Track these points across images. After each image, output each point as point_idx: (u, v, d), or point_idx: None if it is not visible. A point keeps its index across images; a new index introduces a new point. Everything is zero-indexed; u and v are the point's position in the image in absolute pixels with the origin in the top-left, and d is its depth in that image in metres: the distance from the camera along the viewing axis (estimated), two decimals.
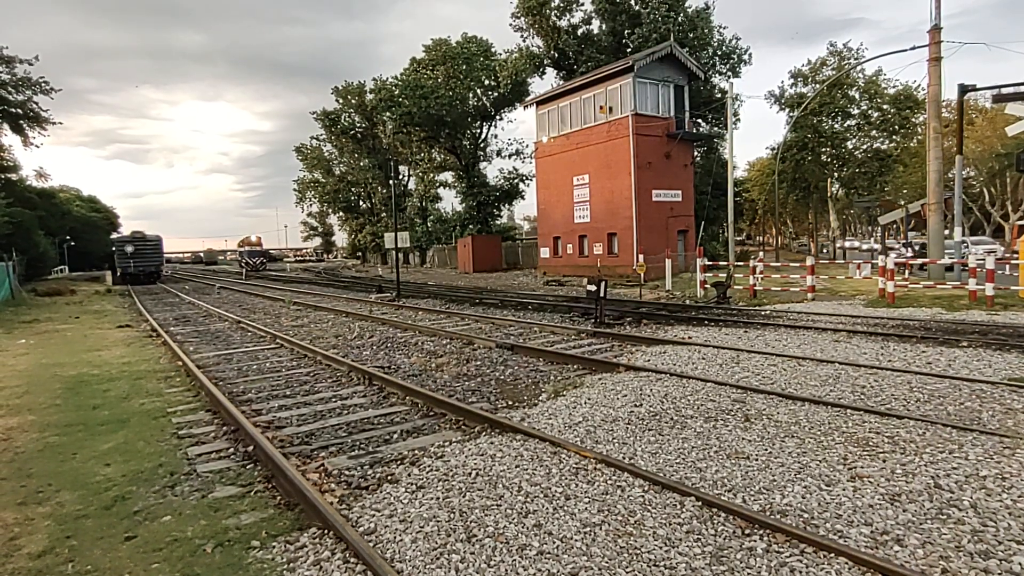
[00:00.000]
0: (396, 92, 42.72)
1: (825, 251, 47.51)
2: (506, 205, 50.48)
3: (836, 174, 42.48)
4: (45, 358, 11.75)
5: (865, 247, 42.18)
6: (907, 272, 19.83)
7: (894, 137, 39.73)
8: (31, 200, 39.60)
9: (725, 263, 22.52)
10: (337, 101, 57.05)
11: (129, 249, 40.12)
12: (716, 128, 38.15)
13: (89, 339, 14.40)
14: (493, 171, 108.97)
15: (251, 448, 5.76)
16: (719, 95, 36.46)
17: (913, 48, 19.00)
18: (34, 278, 37.11)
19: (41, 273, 41.13)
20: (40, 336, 15.13)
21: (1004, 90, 18.59)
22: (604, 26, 38.20)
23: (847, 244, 45.83)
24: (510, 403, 7.21)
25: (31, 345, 13.61)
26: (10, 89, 33.55)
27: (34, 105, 34.74)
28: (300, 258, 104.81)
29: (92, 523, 4.40)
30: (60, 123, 37.14)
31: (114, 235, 55.66)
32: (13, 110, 34.31)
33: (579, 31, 39.37)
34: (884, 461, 4.81)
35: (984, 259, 13.85)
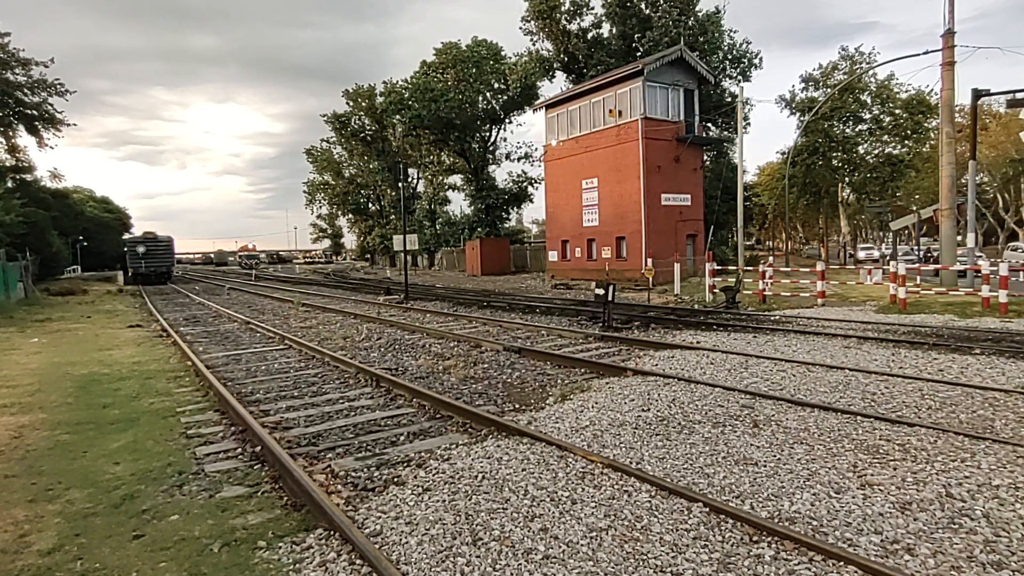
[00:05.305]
0: (406, 95, 42.89)
1: (847, 255, 47.03)
2: (514, 208, 50.52)
3: (847, 179, 42.16)
4: (57, 357, 11.87)
5: (877, 254, 41.60)
6: (918, 278, 19.64)
7: (906, 142, 39.37)
8: (45, 200, 40.04)
9: (734, 268, 22.39)
10: (348, 104, 57.42)
11: (141, 250, 40.55)
12: (726, 132, 38.00)
13: (100, 338, 14.54)
14: (502, 174, 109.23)
15: (259, 448, 5.78)
16: (729, 99, 36.33)
17: (926, 52, 18.83)
18: (47, 277, 37.53)
19: (54, 273, 41.58)
20: (52, 335, 15.28)
21: (1018, 95, 18.40)
22: (614, 30, 38.19)
23: (861, 253, 44.42)
24: (517, 406, 7.20)
25: (43, 344, 13.75)
26: (26, 91, 33.99)
27: (49, 107, 35.18)
28: (309, 259, 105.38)
29: (101, 521, 4.43)
30: (74, 124, 37.64)
31: (126, 236, 56.18)
32: (29, 112, 34.76)
33: (589, 35, 39.38)
34: (895, 469, 4.76)
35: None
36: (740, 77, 37.57)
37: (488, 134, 47.47)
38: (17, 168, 38.62)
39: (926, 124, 38.29)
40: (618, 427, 6.08)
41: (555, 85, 61.42)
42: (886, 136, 39.75)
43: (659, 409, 6.64)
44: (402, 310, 18.56)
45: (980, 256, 20.61)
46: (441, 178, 55.47)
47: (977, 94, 18.80)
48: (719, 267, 21.13)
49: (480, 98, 43.96)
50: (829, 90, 38.09)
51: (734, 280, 18.88)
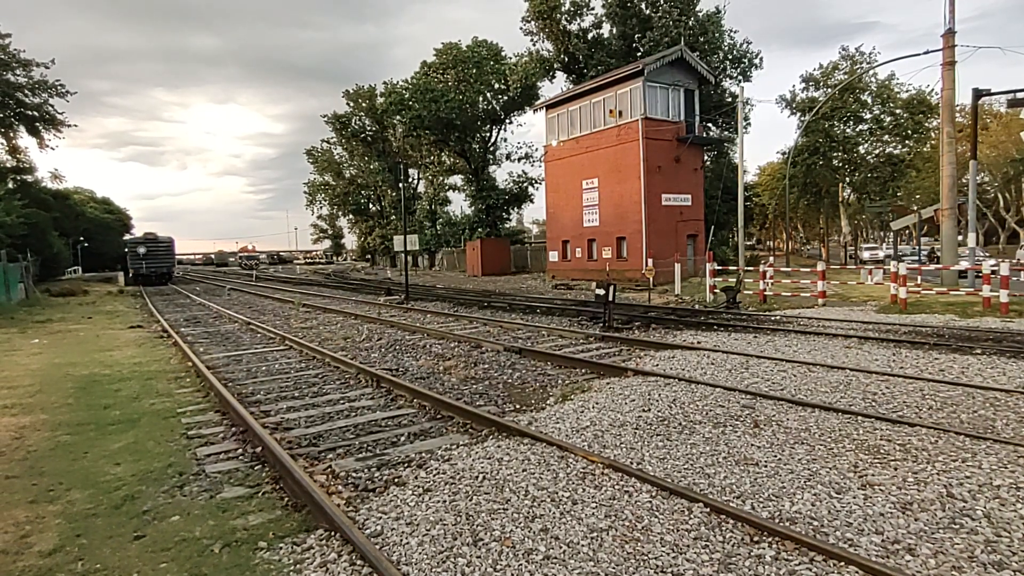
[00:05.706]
0: (406, 95, 42.94)
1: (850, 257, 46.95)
2: (515, 208, 50.57)
3: (848, 179, 42.16)
4: (58, 358, 11.87)
5: (882, 254, 41.35)
6: (919, 278, 19.63)
7: (907, 142, 39.36)
8: (46, 201, 40.08)
9: (735, 268, 22.39)
10: (348, 104, 57.49)
11: (141, 250, 40.62)
12: (727, 132, 37.98)
13: (101, 339, 14.55)
14: (502, 174, 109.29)
15: (259, 449, 5.78)
16: (730, 99, 36.33)
17: (927, 52, 18.81)
18: (48, 278, 37.57)
19: (55, 273, 41.63)
20: (53, 336, 15.29)
21: (1019, 94, 18.39)
22: (614, 30, 38.19)
23: (866, 254, 43.83)
24: (517, 407, 7.20)
25: (44, 345, 13.76)
26: (27, 92, 34.06)
27: (50, 108, 35.23)
28: (310, 260, 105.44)
29: (102, 522, 4.44)
30: (75, 125, 37.64)
31: (127, 236, 56.27)
32: (29, 113, 34.82)
33: (589, 35, 39.38)
34: (895, 469, 4.76)
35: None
36: (740, 77, 37.59)
37: (488, 134, 47.48)
38: (18, 169, 38.69)
39: (926, 124, 38.27)
40: (619, 427, 6.07)
41: (555, 85, 61.56)
42: (887, 136, 39.72)
43: (660, 409, 6.64)
44: (402, 311, 18.56)
45: (986, 256, 20.60)
46: (441, 178, 55.49)
47: (978, 94, 18.79)
48: (720, 267, 21.13)
49: (480, 98, 43.97)
50: (829, 90, 38.06)
51: (735, 280, 18.88)
